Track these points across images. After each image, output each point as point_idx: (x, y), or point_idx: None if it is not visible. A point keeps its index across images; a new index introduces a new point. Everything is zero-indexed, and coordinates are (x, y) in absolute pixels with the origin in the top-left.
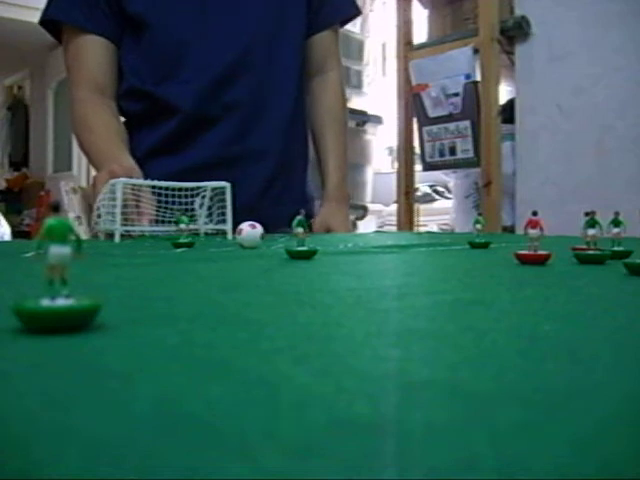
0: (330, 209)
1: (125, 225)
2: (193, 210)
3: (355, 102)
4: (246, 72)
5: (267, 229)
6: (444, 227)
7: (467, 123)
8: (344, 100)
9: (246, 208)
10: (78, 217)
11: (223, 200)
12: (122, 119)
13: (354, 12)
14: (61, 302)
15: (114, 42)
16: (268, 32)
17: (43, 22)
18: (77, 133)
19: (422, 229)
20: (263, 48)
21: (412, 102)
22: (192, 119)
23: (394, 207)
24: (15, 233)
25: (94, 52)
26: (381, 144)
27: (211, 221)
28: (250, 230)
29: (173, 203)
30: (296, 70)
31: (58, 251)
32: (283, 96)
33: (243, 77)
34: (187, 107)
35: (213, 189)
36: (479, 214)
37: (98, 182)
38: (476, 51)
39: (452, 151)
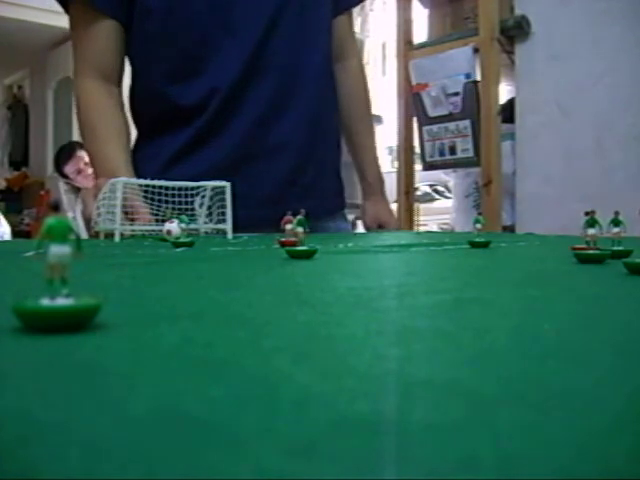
0: (377, 203)
1: (124, 225)
2: (193, 210)
3: None
4: (270, 65)
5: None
6: (444, 226)
7: (467, 122)
8: (367, 87)
9: (269, 199)
10: (73, 217)
11: (223, 200)
12: (131, 122)
13: None
14: (61, 301)
15: (124, 25)
16: (293, 15)
17: None
18: (82, 135)
19: (422, 228)
20: (288, 36)
21: (412, 101)
22: (213, 120)
23: (394, 206)
24: (15, 232)
25: (102, 35)
26: (381, 144)
27: (211, 220)
28: (173, 224)
29: (173, 202)
30: (324, 55)
31: (58, 250)
32: (309, 86)
33: (267, 71)
34: (208, 108)
35: (213, 188)
36: (479, 213)
37: (85, 196)
38: (476, 50)
39: (452, 150)
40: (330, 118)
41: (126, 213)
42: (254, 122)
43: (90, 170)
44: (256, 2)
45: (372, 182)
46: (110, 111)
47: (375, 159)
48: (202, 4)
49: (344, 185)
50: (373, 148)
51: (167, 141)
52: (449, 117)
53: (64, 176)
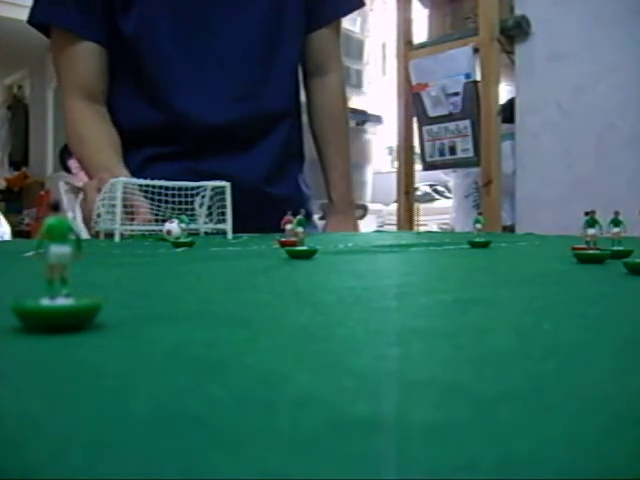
0: (337, 221)
1: (124, 225)
2: (193, 210)
3: (355, 102)
4: (243, 94)
5: (264, 231)
6: (444, 226)
7: (467, 122)
8: (345, 104)
9: (243, 212)
10: (73, 217)
11: (223, 200)
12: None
13: (357, 4)
14: (61, 301)
15: (105, 46)
16: (265, 42)
17: (31, 22)
18: (71, 146)
19: (422, 228)
20: (259, 64)
21: (412, 101)
22: (189, 144)
23: (394, 206)
24: (15, 233)
25: (86, 58)
26: (381, 144)
27: (211, 221)
28: (173, 224)
29: (173, 202)
30: (293, 78)
31: (58, 250)
32: (280, 110)
33: (240, 99)
34: (185, 134)
35: (213, 188)
36: (479, 213)
37: (88, 189)
38: (476, 50)
39: (452, 150)
40: (296, 132)
41: (127, 213)
42: (222, 156)
43: None
44: (221, 43)
45: (336, 201)
46: (98, 125)
47: (343, 178)
48: (169, 38)
49: (311, 186)
50: (342, 167)
51: (140, 151)
52: (449, 117)
53: (68, 170)
